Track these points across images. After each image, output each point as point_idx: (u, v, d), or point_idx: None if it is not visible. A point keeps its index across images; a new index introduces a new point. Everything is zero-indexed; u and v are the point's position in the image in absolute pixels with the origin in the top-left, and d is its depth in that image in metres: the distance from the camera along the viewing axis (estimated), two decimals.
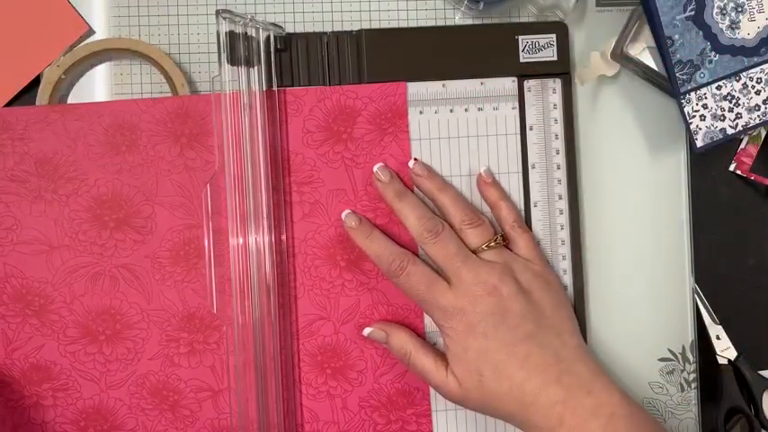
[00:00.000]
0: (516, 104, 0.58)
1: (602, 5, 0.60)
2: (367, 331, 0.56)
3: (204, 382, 0.57)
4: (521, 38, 0.58)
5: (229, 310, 0.56)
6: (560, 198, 0.59)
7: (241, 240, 0.55)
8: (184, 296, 0.56)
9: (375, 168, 0.56)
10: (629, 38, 0.58)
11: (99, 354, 0.56)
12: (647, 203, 0.60)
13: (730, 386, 0.60)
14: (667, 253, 0.60)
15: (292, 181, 0.57)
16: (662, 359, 0.60)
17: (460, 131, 0.58)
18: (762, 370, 0.61)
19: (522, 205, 0.58)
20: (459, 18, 0.59)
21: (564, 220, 0.59)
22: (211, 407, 0.57)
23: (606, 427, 0.51)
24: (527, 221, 0.58)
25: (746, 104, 0.56)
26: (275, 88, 0.56)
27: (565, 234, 0.59)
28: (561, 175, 0.59)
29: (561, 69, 0.58)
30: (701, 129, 0.56)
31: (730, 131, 0.56)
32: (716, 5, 0.54)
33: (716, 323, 0.61)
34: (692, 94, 0.56)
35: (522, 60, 0.58)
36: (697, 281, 0.61)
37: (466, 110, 0.58)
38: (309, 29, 0.59)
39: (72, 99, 0.58)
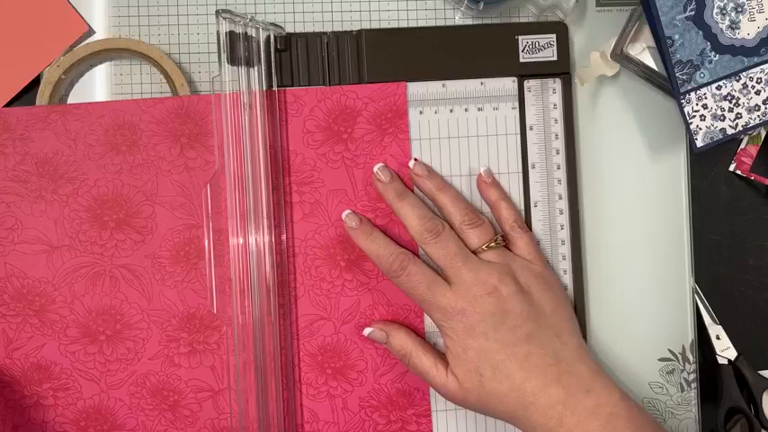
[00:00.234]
0: (516, 104, 0.58)
1: (602, 5, 0.60)
2: (367, 331, 0.56)
3: (204, 383, 0.57)
4: (521, 38, 0.58)
5: (229, 310, 0.56)
6: (560, 198, 0.59)
7: (241, 240, 0.55)
8: (185, 296, 0.56)
9: (375, 168, 0.56)
10: (629, 38, 0.58)
11: (99, 354, 0.56)
12: (647, 203, 0.60)
13: (730, 386, 0.60)
14: (667, 253, 0.60)
15: (293, 181, 0.57)
16: (662, 359, 0.60)
17: (460, 131, 0.58)
18: (762, 370, 0.61)
19: (522, 205, 0.58)
20: (459, 18, 0.59)
21: (564, 220, 0.59)
22: (211, 407, 0.57)
23: (606, 426, 0.51)
24: (527, 221, 0.58)
25: (746, 104, 0.56)
26: (275, 88, 0.56)
27: (565, 234, 0.59)
28: (561, 175, 0.59)
29: (561, 69, 0.58)
30: (701, 129, 0.56)
31: (730, 131, 0.56)
32: (716, 5, 0.54)
33: (716, 323, 0.61)
34: (692, 94, 0.56)
35: (522, 60, 0.58)
36: (697, 281, 0.61)
37: (466, 110, 0.58)
38: (309, 29, 0.59)
39: (72, 99, 0.58)
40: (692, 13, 0.54)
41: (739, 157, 0.62)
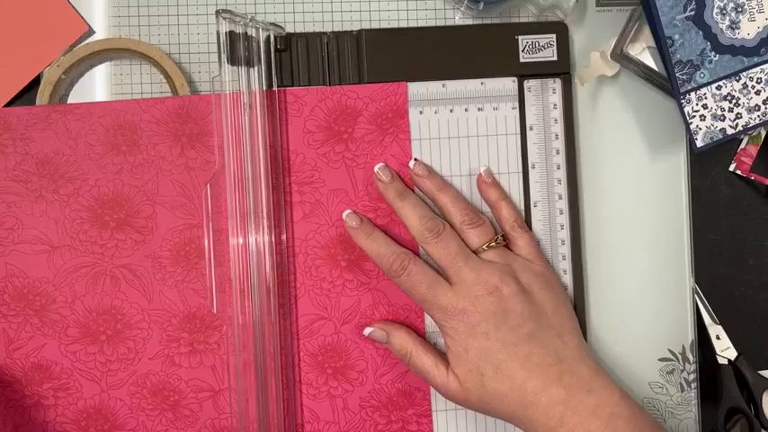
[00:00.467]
0: (516, 104, 0.58)
1: (602, 5, 0.60)
2: (367, 331, 0.56)
3: (205, 382, 0.57)
4: (521, 38, 0.58)
5: (230, 309, 0.56)
6: (560, 198, 0.59)
7: (241, 240, 0.55)
8: (185, 296, 0.56)
9: (376, 168, 0.56)
10: (629, 38, 0.58)
11: (100, 353, 0.56)
12: (647, 203, 0.60)
13: (730, 386, 0.60)
14: (667, 253, 0.60)
15: (293, 181, 0.57)
16: (662, 359, 0.60)
17: (460, 131, 0.58)
18: (762, 370, 0.62)
19: (522, 205, 0.58)
20: (459, 18, 0.59)
21: (564, 220, 0.59)
22: (212, 407, 0.57)
23: (607, 426, 0.51)
24: (527, 221, 0.58)
25: (746, 104, 0.56)
26: (275, 88, 0.56)
27: (565, 234, 0.59)
28: (561, 175, 0.59)
29: (561, 69, 0.58)
30: (700, 129, 0.56)
31: (730, 131, 0.56)
32: (716, 5, 0.54)
33: (716, 323, 0.61)
34: (692, 94, 0.56)
35: (522, 60, 0.58)
36: (697, 281, 0.61)
37: (466, 110, 0.58)
38: (309, 29, 0.59)
39: (72, 99, 0.58)
40: (692, 13, 0.54)
41: (739, 157, 0.62)
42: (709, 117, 0.56)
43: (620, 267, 0.60)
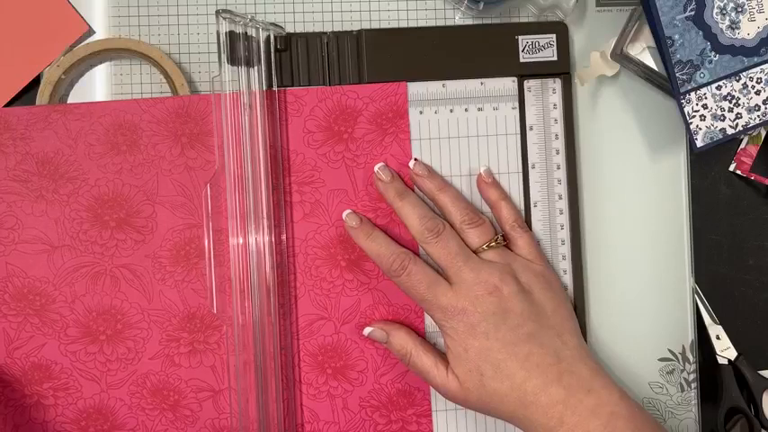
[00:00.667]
0: (516, 104, 0.58)
1: (602, 5, 0.60)
2: (367, 331, 0.56)
3: (204, 382, 0.57)
4: (521, 38, 0.58)
5: (230, 309, 0.56)
6: (560, 198, 0.59)
7: (241, 240, 0.55)
8: (185, 296, 0.56)
9: (376, 168, 0.56)
10: (629, 38, 0.58)
11: (100, 353, 0.56)
12: (647, 203, 0.60)
13: (730, 386, 0.60)
14: (667, 253, 0.60)
15: (293, 181, 0.57)
16: (662, 359, 0.60)
17: (460, 131, 0.58)
18: (762, 370, 0.62)
19: (522, 205, 0.58)
20: (459, 18, 0.59)
21: (564, 220, 0.59)
22: (212, 407, 0.57)
23: (607, 426, 0.51)
24: (527, 221, 0.58)
25: (746, 104, 0.56)
26: (275, 88, 0.56)
27: (565, 234, 0.59)
28: (561, 175, 0.59)
29: (561, 69, 0.58)
30: (701, 129, 0.56)
31: (730, 131, 0.56)
32: (716, 5, 0.54)
33: (716, 323, 0.61)
34: (692, 94, 0.56)
35: (522, 60, 0.58)
36: (697, 281, 0.61)
37: (466, 110, 0.58)
38: (309, 29, 0.59)
39: (72, 99, 0.58)
40: (692, 13, 0.54)
41: (739, 157, 0.62)
42: (709, 117, 0.56)
43: (620, 267, 0.60)
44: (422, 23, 0.59)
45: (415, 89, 0.58)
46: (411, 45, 0.57)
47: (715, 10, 0.54)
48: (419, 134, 0.58)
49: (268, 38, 0.56)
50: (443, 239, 0.54)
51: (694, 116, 0.56)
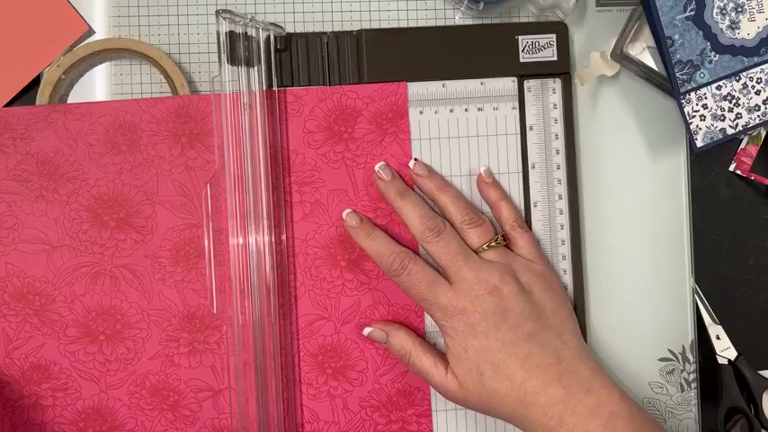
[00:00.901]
0: (516, 104, 0.58)
1: (602, 5, 0.60)
2: (367, 331, 0.56)
3: (204, 382, 0.57)
4: (521, 38, 0.58)
5: (230, 309, 0.56)
6: (560, 198, 0.59)
7: (241, 240, 0.55)
8: (185, 296, 0.56)
9: (376, 167, 0.56)
10: (629, 38, 0.58)
11: (99, 353, 0.56)
12: (647, 203, 0.60)
13: (730, 386, 0.60)
14: (667, 253, 0.60)
15: (293, 181, 0.57)
16: (662, 359, 0.60)
17: (460, 131, 0.58)
18: (762, 370, 0.62)
19: (522, 205, 0.58)
20: (459, 18, 0.59)
21: (564, 220, 0.59)
22: (211, 407, 0.57)
23: (606, 426, 0.51)
24: (527, 221, 0.58)
25: (746, 104, 0.56)
26: (275, 88, 0.56)
27: (565, 234, 0.59)
28: (561, 175, 0.59)
29: (561, 69, 0.58)
30: (701, 129, 0.56)
31: (730, 131, 0.56)
32: (716, 5, 0.54)
33: (716, 323, 0.61)
34: (692, 94, 0.56)
35: (522, 60, 0.58)
36: (697, 281, 0.61)
37: (466, 110, 0.58)
38: (309, 29, 0.59)
39: (72, 99, 0.58)
40: (692, 13, 0.54)
41: (739, 157, 0.62)
42: (709, 117, 0.56)
43: (620, 267, 0.60)
44: (422, 23, 0.59)
45: (415, 89, 0.58)
46: (411, 45, 0.57)
47: (715, 10, 0.54)
48: (419, 134, 0.58)
49: (268, 38, 0.56)
50: (444, 239, 0.54)
51: (694, 116, 0.56)
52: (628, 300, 0.60)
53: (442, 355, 0.55)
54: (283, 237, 0.57)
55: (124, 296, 0.56)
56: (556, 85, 0.59)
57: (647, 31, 0.58)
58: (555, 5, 0.58)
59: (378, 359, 0.58)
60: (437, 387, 0.55)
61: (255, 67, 0.55)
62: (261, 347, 0.55)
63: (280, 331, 0.56)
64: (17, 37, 0.57)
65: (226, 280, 0.56)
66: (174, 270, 0.56)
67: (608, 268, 0.60)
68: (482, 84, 0.58)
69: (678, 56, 0.55)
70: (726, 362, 0.61)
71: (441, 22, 0.59)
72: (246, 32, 0.55)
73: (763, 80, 0.55)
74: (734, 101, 0.56)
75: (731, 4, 0.54)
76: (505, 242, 0.56)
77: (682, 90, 0.56)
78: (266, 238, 0.55)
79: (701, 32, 0.55)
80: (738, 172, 0.62)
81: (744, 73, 0.55)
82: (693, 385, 0.60)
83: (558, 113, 0.59)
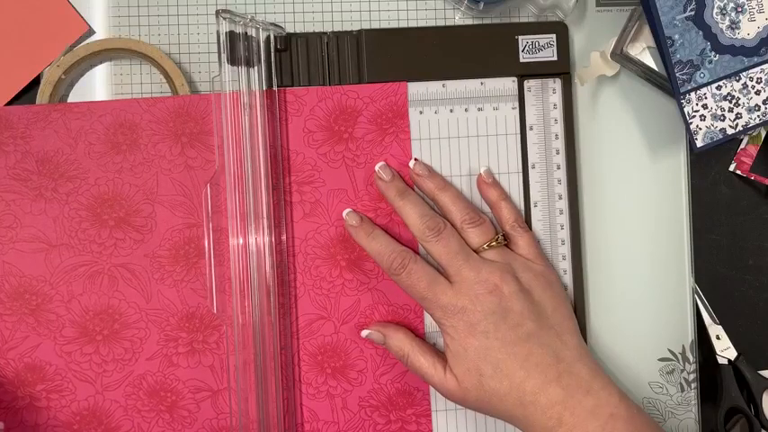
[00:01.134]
0: (516, 104, 0.58)
1: (602, 5, 0.60)
2: (365, 333, 0.56)
3: (203, 382, 0.56)
4: (521, 38, 0.58)
5: (229, 309, 0.56)
6: (560, 198, 0.59)
7: (241, 240, 0.55)
8: (184, 295, 0.56)
9: (377, 167, 0.56)
10: (629, 38, 0.58)
11: (95, 354, 0.56)
12: (647, 204, 0.60)
13: (730, 386, 0.60)
14: (667, 253, 0.60)
15: (293, 180, 0.57)
16: (662, 359, 0.60)
17: (460, 131, 0.58)
18: (762, 370, 0.61)
19: (522, 205, 0.58)
20: (459, 18, 0.60)
21: (564, 220, 0.59)
22: (210, 407, 0.56)
23: (605, 427, 0.51)
24: (527, 221, 0.58)
25: (746, 104, 0.56)
26: (275, 88, 0.56)
27: (565, 234, 0.59)
28: (561, 175, 0.59)
29: (561, 69, 0.58)
30: (701, 129, 0.56)
31: (730, 131, 0.56)
32: (716, 5, 0.54)
33: (716, 323, 0.61)
34: (692, 94, 0.56)
35: (522, 60, 0.58)
36: (697, 281, 0.61)
37: (466, 110, 0.58)
38: (309, 29, 0.59)
39: (72, 99, 0.58)
40: (692, 13, 0.54)
41: (739, 157, 0.62)
42: (709, 117, 0.56)
43: (620, 267, 0.60)
44: (422, 23, 0.59)
45: (415, 89, 0.58)
46: (411, 45, 0.57)
47: (715, 10, 0.55)
48: (419, 134, 0.58)
49: (268, 38, 0.56)
50: (444, 238, 0.54)
51: (694, 116, 0.56)
52: (628, 300, 0.60)
53: (440, 355, 0.55)
54: (283, 236, 0.57)
55: (123, 296, 0.56)
56: (556, 85, 0.59)
57: (647, 31, 0.58)
58: (555, 5, 0.58)
59: (377, 359, 0.57)
60: (436, 387, 0.54)
61: (255, 67, 0.55)
62: (261, 347, 0.55)
63: (279, 331, 0.56)
64: (17, 37, 0.57)
65: (225, 280, 0.56)
66: (173, 269, 0.56)
67: (608, 268, 0.60)
68: (482, 84, 0.58)
69: (678, 56, 0.55)
70: (726, 362, 0.61)
71: (441, 22, 0.59)
72: (246, 32, 0.55)
73: (763, 80, 0.56)
74: (734, 101, 0.56)
75: (731, 4, 0.54)
76: (506, 242, 0.56)
77: (682, 90, 0.56)
78: (266, 238, 0.55)
79: (700, 32, 0.55)
80: (738, 172, 0.62)
81: (744, 73, 0.55)
82: (693, 385, 0.60)
83: (558, 113, 0.59)
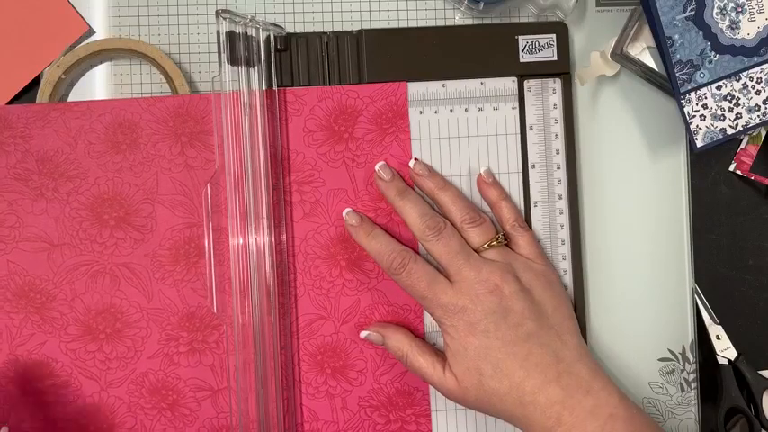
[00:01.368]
0: (516, 104, 0.58)
1: (602, 5, 0.60)
2: (364, 334, 0.56)
3: (204, 381, 0.57)
4: (521, 38, 0.58)
5: (230, 309, 0.56)
6: (560, 198, 0.59)
7: (241, 240, 0.55)
8: (184, 295, 0.56)
9: (377, 167, 0.56)
10: (629, 38, 0.58)
11: (99, 352, 0.56)
12: (647, 204, 0.60)
13: (730, 386, 0.60)
14: (667, 253, 0.60)
15: (293, 180, 0.57)
16: (662, 359, 0.60)
17: (460, 131, 0.58)
18: (762, 370, 0.61)
19: (522, 205, 0.58)
20: (459, 18, 0.59)
21: (564, 220, 0.59)
22: (210, 406, 0.57)
23: (604, 427, 0.51)
24: (527, 221, 0.58)
25: (746, 104, 0.56)
26: (275, 88, 0.57)
27: (565, 234, 0.59)
28: (561, 175, 0.59)
29: (561, 69, 0.58)
30: (701, 129, 0.56)
31: (730, 131, 0.56)
32: (716, 5, 0.54)
33: (716, 323, 0.61)
34: (692, 94, 0.56)
35: (522, 60, 0.58)
36: (697, 281, 0.61)
37: (466, 110, 0.58)
38: (309, 29, 0.59)
39: (72, 99, 0.58)
40: (692, 13, 0.54)
41: (739, 157, 0.62)
42: (709, 117, 0.56)
43: (620, 267, 0.60)
44: (422, 23, 0.59)
45: (415, 89, 0.58)
46: (411, 45, 0.57)
47: (715, 10, 0.54)
48: (419, 134, 0.58)
49: (268, 38, 0.56)
50: (444, 238, 0.54)
51: (694, 116, 0.56)
52: (628, 300, 0.60)
53: (439, 355, 0.55)
54: (283, 236, 0.57)
55: (124, 295, 0.56)
56: (556, 85, 0.59)
57: (647, 31, 0.58)
58: (555, 5, 0.58)
59: (377, 359, 0.58)
60: (435, 386, 0.55)
61: (255, 67, 0.55)
62: (261, 347, 0.55)
63: (279, 331, 0.56)
64: (17, 37, 0.57)
65: (226, 279, 0.56)
66: (173, 269, 0.56)
67: (608, 268, 0.60)
68: (482, 84, 0.58)
69: (678, 56, 0.55)
70: (726, 362, 0.61)
71: (441, 22, 0.59)
72: (246, 32, 0.55)
73: (763, 80, 0.55)
74: (734, 101, 0.56)
75: (731, 4, 0.54)
76: (506, 241, 0.56)
77: (682, 90, 0.55)
78: (266, 238, 0.55)
79: (701, 32, 0.55)
80: (738, 172, 0.62)
81: (744, 73, 0.55)
82: (693, 385, 0.60)
83: (558, 113, 0.59)
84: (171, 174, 0.56)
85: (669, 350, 0.60)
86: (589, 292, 0.60)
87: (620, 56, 0.58)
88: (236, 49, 0.55)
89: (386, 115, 0.57)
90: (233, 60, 0.54)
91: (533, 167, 0.59)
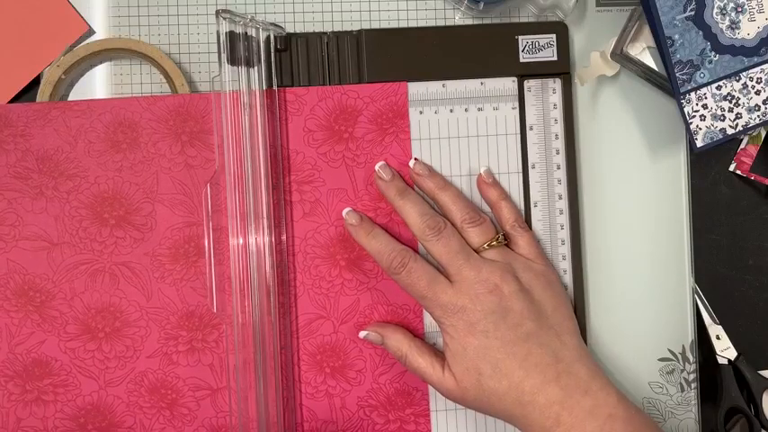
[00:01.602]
0: (516, 104, 0.58)
1: (602, 5, 0.60)
2: (362, 334, 0.56)
3: (203, 381, 0.57)
4: (521, 38, 0.58)
5: (229, 308, 0.56)
6: (560, 198, 0.59)
7: (241, 240, 0.55)
8: (184, 294, 0.56)
9: (377, 167, 0.56)
10: (629, 38, 0.58)
11: (98, 351, 0.56)
12: (647, 204, 0.60)
13: (730, 386, 0.60)
14: (667, 253, 0.60)
15: (293, 180, 0.57)
16: (662, 359, 0.60)
17: (460, 131, 0.58)
18: (762, 370, 0.61)
19: (522, 205, 0.58)
20: (459, 18, 0.60)
21: (564, 220, 0.59)
22: (210, 405, 0.57)
23: (603, 427, 0.51)
24: (527, 221, 0.58)
25: (746, 104, 0.56)
26: (275, 88, 0.57)
27: (565, 234, 0.59)
28: (561, 175, 0.59)
29: (561, 69, 0.58)
30: (701, 129, 0.56)
31: (730, 131, 0.56)
32: (716, 5, 0.54)
33: (716, 323, 0.61)
34: (692, 94, 0.56)
35: (522, 60, 0.58)
36: (697, 281, 0.61)
37: (466, 110, 0.58)
38: (309, 29, 0.59)
39: (72, 99, 0.58)
40: (692, 13, 0.54)
41: (739, 157, 0.62)
42: (709, 117, 0.56)
43: (620, 267, 0.60)
44: (422, 23, 0.59)
45: (415, 89, 0.58)
46: (411, 45, 0.58)
47: (715, 10, 0.54)
48: (419, 134, 0.58)
49: (268, 38, 0.56)
50: (444, 237, 0.54)
51: (694, 116, 0.56)
52: (628, 300, 0.60)
53: (439, 354, 0.55)
54: (283, 236, 0.57)
55: (123, 294, 0.56)
56: (556, 85, 0.59)
57: (647, 31, 0.58)
58: (555, 5, 0.58)
59: (376, 359, 0.58)
60: (434, 386, 0.54)
61: (255, 67, 0.55)
62: (260, 346, 0.55)
63: (279, 330, 0.56)
64: (17, 37, 0.57)
65: (225, 279, 0.56)
66: (173, 268, 0.56)
67: (608, 268, 0.60)
68: (482, 84, 0.58)
69: (678, 56, 0.55)
70: (726, 362, 0.61)
71: (441, 22, 0.59)
72: (246, 32, 0.55)
73: (763, 80, 0.55)
74: (734, 101, 0.56)
75: (731, 4, 0.54)
76: (506, 241, 0.56)
77: (682, 90, 0.55)
78: (266, 238, 0.55)
79: (701, 32, 0.55)
80: (738, 172, 0.62)
81: (744, 73, 0.55)
82: (693, 385, 0.60)
83: (558, 113, 0.59)
84: (171, 173, 0.56)
85: (669, 350, 0.60)
86: (589, 292, 0.60)
87: (620, 56, 0.58)
88: (236, 49, 0.55)
89: (386, 115, 0.57)
90: (233, 60, 0.55)
91: (533, 167, 0.59)
